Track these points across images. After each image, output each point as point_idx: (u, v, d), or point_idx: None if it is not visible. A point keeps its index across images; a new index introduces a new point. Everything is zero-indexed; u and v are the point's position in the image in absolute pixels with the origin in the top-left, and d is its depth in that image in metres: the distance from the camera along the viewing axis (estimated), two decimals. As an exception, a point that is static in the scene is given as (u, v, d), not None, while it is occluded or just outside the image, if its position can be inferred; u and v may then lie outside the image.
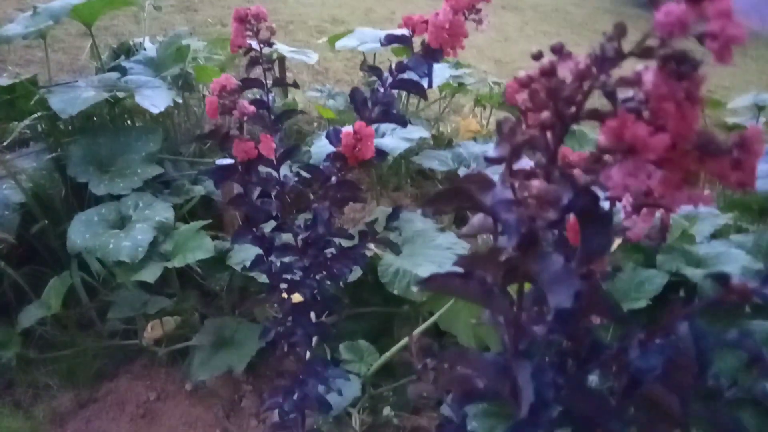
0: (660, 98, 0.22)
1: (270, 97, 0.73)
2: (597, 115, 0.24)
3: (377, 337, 1.20)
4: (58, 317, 1.22)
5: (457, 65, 1.89)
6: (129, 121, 1.56)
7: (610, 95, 0.24)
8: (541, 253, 0.25)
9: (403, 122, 0.76)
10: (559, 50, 0.25)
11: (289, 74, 2.03)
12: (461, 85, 1.86)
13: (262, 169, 0.72)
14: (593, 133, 1.63)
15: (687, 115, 0.22)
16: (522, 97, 0.28)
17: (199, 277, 1.30)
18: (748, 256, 1.00)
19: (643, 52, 0.23)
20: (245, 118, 0.66)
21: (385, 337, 1.21)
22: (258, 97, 0.72)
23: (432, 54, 0.69)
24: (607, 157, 0.24)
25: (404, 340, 1.11)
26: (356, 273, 1.11)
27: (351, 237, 0.78)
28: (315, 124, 1.92)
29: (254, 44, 0.70)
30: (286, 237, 0.78)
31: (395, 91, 0.74)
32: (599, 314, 0.34)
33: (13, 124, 1.39)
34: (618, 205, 0.40)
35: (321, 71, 2.55)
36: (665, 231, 0.37)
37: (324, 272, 0.78)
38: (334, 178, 0.73)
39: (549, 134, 0.26)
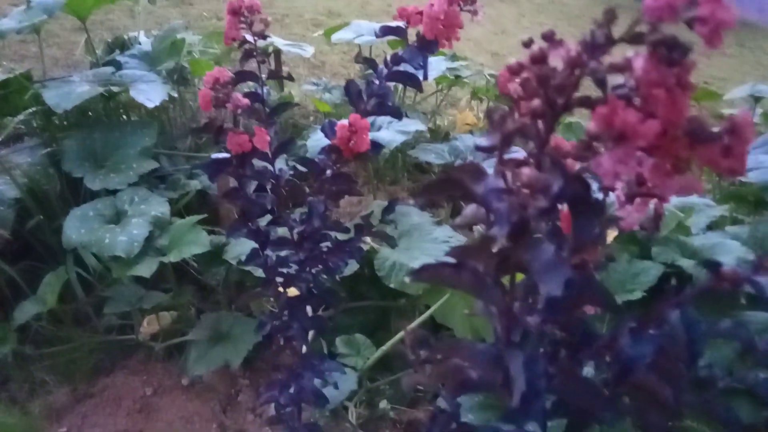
0: (650, 84, 0.22)
1: (265, 90, 0.72)
2: (588, 103, 0.24)
3: (374, 330, 1.21)
4: (54, 313, 1.21)
5: (454, 58, 1.88)
6: (124, 116, 1.55)
7: (601, 82, 0.24)
8: (532, 242, 0.25)
9: (398, 114, 0.76)
10: (550, 37, 0.24)
11: (285, 68, 2.02)
12: (458, 77, 1.86)
13: (258, 162, 0.72)
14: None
15: (677, 102, 0.22)
16: (514, 86, 0.28)
17: (196, 272, 1.30)
18: (743, 247, 1.01)
19: (633, 38, 0.23)
20: (239, 111, 0.66)
21: (381, 330, 1.21)
22: (253, 90, 0.72)
23: (427, 45, 0.69)
24: (597, 144, 0.24)
25: (400, 334, 1.11)
26: (353, 267, 1.11)
27: (347, 230, 0.78)
28: (311, 118, 1.91)
29: (248, 37, 0.69)
30: (282, 231, 0.78)
31: (391, 84, 0.74)
32: (592, 304, 0.34)
33: (8, 120, 1.38)
34: (611, 195, 0.40)
35: (317, 65, 2.54)
36: (659, 220, 0.37)
37: (320, 266, 0.78)
38: (329, 171, 0.73)
39: (540, 123, 0.26)
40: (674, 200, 1.20)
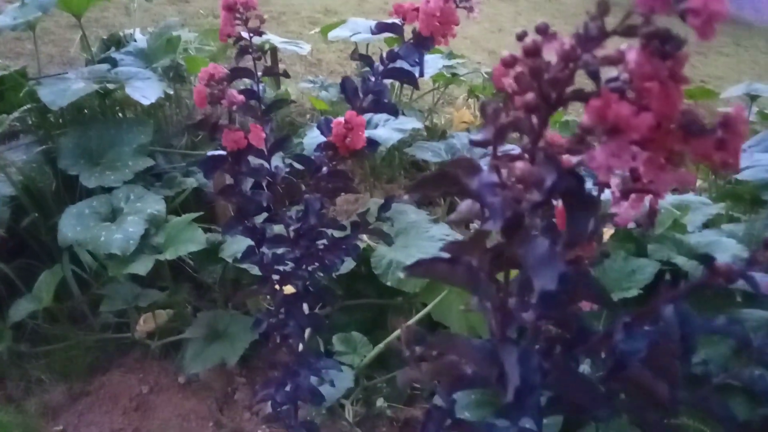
0: (643, 77, 0.22)
1: (260, 87, 0.72)
2: (581, 96, 0.24)
3: (371, 328, 1.20)
4: (49, 311, 1.21)
5: (451, 56, 1.88)
6: (120, 113, 1.54)
7: (594, 75, 0.24)
8: (526, 236, 0.25)
9: (394, 111, 0.76)
10: (543, 31, 0.24)
11: (281, 65, 2.02)
12: (454, 75, 1.86)
13: (254, 160, 0.72)
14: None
15: (671, 94, 0.22)
16: (508, 80, 0.28)
17: (192, 270, 1.29)
18: (739, 245, 1.01)
19: (626, 31, 0.22)
20: (234, 108, 0.65)
21: (378, 328, 1.21)
22: (249, 87, 0.71)
23: (423, 42, 0.69)
24: (591, 138, 0.24)
25: (397, 332, 1.11)
26: (349, 264, 1.11)
27: (343, 228, 0.77)
28: (308, 116, 1.91)
29: (244, 33, 0.69)
30: (278, 228, 0.77)
31: (388, 82, 0.74)
32: (586, 300, 0.34)
33: (3, 117, 1.37)
34: (607, 192, 0.40)
35: (314, 63, 2.54)
36: (654, 216, 0.37)
37: (316, 263, 0.77)
38: (325, 168, 0.73)
39: (534, 117, 0.25)
40: (671, 198, 1.20)
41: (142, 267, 1.11)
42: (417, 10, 0.67)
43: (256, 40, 0.70)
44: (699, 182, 1.60)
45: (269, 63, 1.75)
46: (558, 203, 0.32)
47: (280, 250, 0.78)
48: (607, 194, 0.40)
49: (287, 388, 0.80)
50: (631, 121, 0.22)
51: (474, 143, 0.26)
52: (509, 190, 0.25)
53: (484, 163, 0.31)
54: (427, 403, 1.12)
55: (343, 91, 0.73)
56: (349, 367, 1.09)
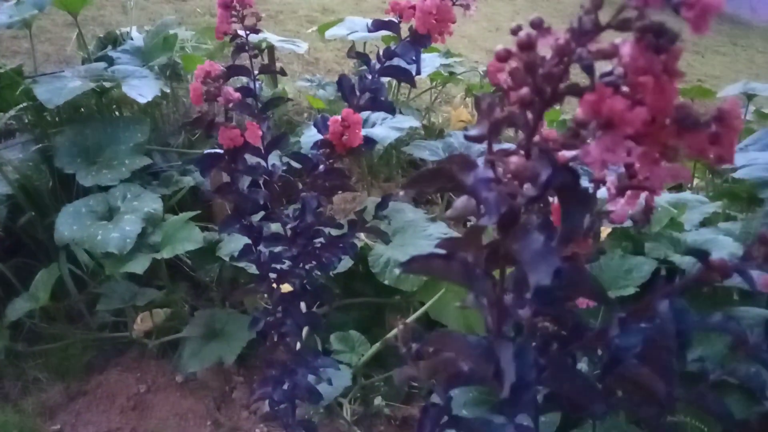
0: (637, 71, 0.22)
1: (257, 85, 0.72)
2: (576, 91, 0.24)
3: (368, 327, 1.20)
4: (46, 310, 1.21)
5: (448, 54, 1.88)
6: (116, 112, 1.54)
7: (589, 69, 0.24)
8: (521, 232, 0.25)
9: (391, 109, 0.76)
10: (538, 25, 0.24)
11: (279, 64, 2.02)
12: (452, 74, 1.86)
13: (252, 158, 0.72)
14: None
15: (665, 89, 0.22)
16: (503, 76, 0.28)
17: (189, 269, 1.29)
18: (736, 243, 1.01)
19: (620, 24, 0.22)
20: (231, 105, 0.65)
21: (376, 327, 1.21)
22: (245, 85, 0.71)
23: (420, 40, 0.69)
24: (585, 133, 0.24)
25: (395, 330, 1.11)
26: (347, 263, 1.10)
27: (340, 226, 0.77)
28: (305, 115, 1.91)
29: (240, 31, 0.69)
30: (275, 226, 0.77)
31: (385, 80, 0.74)
32: (582, 296, 0.34)
33: (-1, 115, 1.37)
34: (603, 189, 0.40)
35: (312, 61, 2.54)
36: (649, 213, 0.37)
37: (313, 262, 0.77)
38: (322, 166, 0.73)
39: (529, 112, 0.25)
40: (668, 197, 1.20)
41: (139, 266, 1.11)
42: (414, 7, 0.67)
43: (253, 38, 0.70)
44: (696, 181, 1.60)
45: (266, 61, 1.75)
46: (553, 199, 0.32)
47: (277, 249, 0.77)
48: (603, 191, 0.40)
49: (285, 387, 0.80)
50: (626, 115, 0.22)
51: (469, 138, 0.26)
52: (504, 185, 0.25)
53: (480, 161, 0.31)
54: (425, 401, 1.12)
55: (340, 89, 0.73)
56: (346, 366, 1.09)
